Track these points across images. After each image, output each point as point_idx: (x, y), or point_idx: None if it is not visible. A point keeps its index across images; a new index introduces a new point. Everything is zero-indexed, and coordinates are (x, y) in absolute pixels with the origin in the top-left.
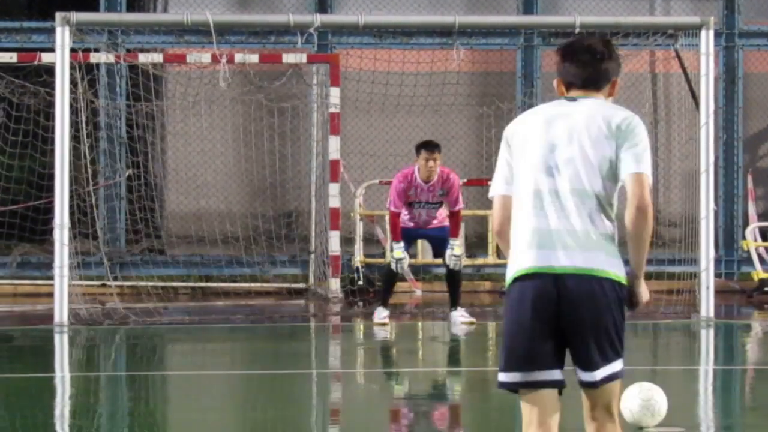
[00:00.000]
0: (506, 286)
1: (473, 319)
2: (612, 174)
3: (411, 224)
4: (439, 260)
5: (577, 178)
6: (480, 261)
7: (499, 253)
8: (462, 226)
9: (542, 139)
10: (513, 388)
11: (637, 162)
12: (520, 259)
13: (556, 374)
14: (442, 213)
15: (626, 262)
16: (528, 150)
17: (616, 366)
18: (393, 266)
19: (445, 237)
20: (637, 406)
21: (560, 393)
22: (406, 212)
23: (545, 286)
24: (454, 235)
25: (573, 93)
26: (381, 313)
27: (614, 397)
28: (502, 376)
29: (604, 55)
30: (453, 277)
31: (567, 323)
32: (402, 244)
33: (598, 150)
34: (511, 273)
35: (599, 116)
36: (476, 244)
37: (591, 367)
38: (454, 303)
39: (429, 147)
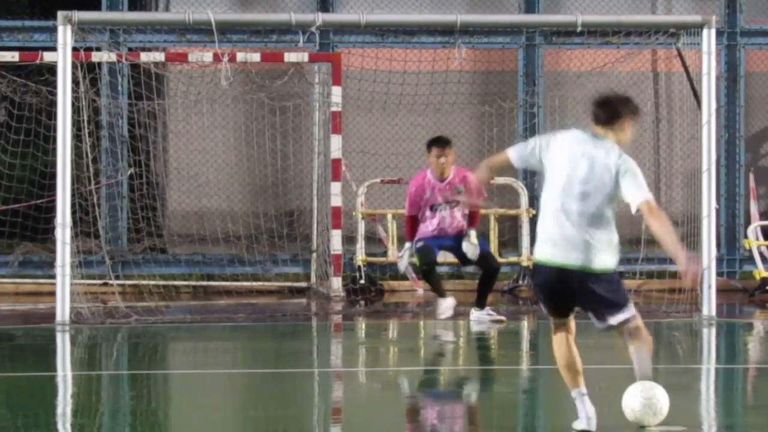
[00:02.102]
0: (534, 260)
1: (503, 318)
2: (613, 200)
3: (434, 231)
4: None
5: (592, 204)
6: None
7: (501, 253)
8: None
9: (570, 171)
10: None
11: (639, 190)
12: (542, 250)
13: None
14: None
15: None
16: (558, 175)
17: (627, 313)
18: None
19: None
20: (639, 405)
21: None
22: (430, 219)
23: (555, 273)
24: (472, 226)
25: (598, 129)
26: (442, 305)
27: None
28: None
29: (622, 102)
30: (488, 278)
31: (578, 294)
32: (409, 244)
33: (608, 185)
34: (536, 256)
35: (610, 161)
36: None
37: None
38: (480, 303)
39: (439, 143)
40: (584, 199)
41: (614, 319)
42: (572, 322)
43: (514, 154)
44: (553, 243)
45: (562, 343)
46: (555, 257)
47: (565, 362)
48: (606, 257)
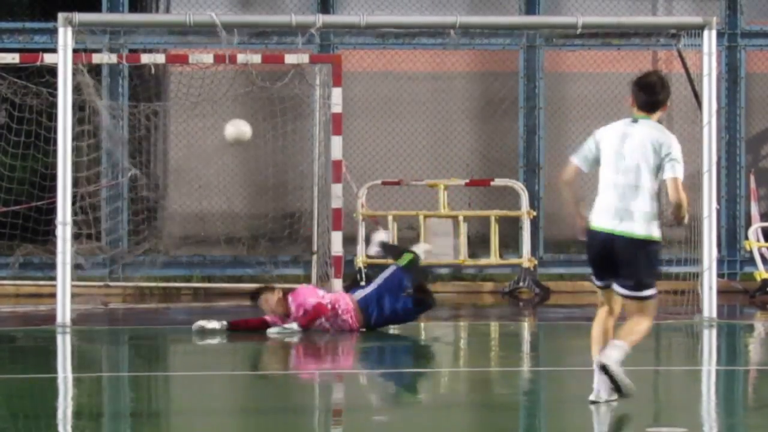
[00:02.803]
0: (588, 228)
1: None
2: (656, 175)
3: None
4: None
5: (636, 177)
6: (482, 261)
7: (501, 254)
8: (464, 226)
9: (617, 152)
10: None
11: (672, 170)
12: (594, 219)
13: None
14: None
15: None
16: (608, 156)
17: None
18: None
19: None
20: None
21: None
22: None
23: (604, 242)
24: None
25: (637, 113)
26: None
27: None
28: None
29: (661, 88)
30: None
31: (617, 260)
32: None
33: (650, 160)
34: (589, 224)
35: (651, 138)
36: (479, 245)
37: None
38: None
39: (260, 294)
40: (630, 171)
41: (637, 293)
42: (617, 305)
43: (578, 160)
44: (604, 212)
45: (599, 321)
46: (603, 224)
47: (595, 338)
48: (649, 227)
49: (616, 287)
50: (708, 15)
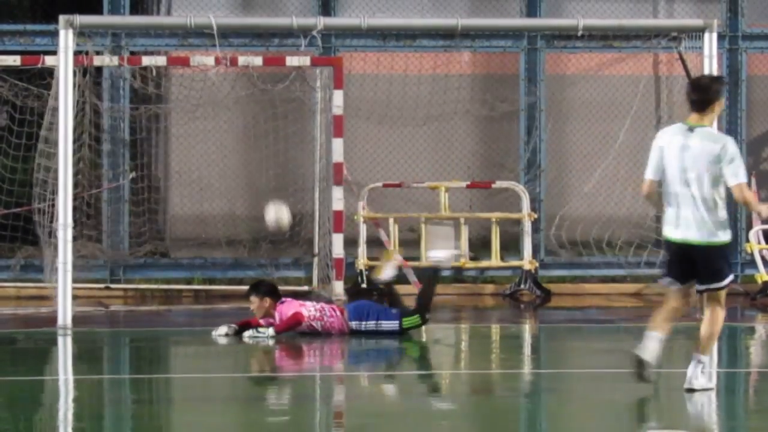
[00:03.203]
0: (664, 239)
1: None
2: (719, 181)
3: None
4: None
5: (700, 188)
6: (484, 264)
7: (503, 257)
8: (465, 228)
9: (680, 165)
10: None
11: (734, 176)
12: (671, 231)
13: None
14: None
15: None
16: (672, 169)
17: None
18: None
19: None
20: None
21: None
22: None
23: (683, 249)
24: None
25: (690, 117)
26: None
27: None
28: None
29: (709, 88)
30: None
31: (696, 264)
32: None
33: (711, 170)
34: (666, 235)
35: (707, 149)
36: (480, 247)
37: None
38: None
39: (249, 292)
40: (694, 181)
41: (714, 285)
42: (685, 304)
43: (651, 173)
44: (675, 224)
45: (665, 313)
46: (678, 236)
47: (663, 315)
48: (720, 232)
49: (697, 286)
50: (709, 17)
